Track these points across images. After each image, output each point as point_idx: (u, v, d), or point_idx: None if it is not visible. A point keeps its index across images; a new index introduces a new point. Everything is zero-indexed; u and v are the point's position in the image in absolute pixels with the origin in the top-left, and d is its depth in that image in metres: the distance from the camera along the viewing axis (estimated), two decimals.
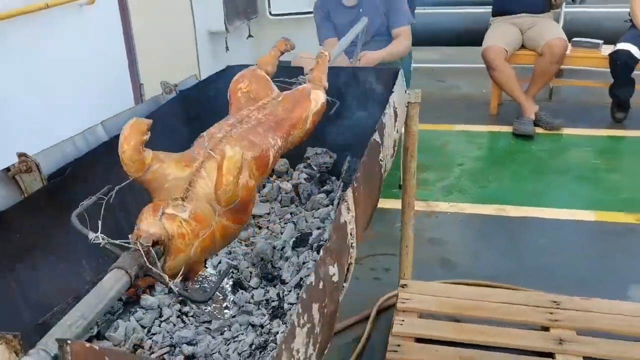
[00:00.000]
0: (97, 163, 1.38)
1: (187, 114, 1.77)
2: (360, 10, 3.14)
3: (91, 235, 0.93)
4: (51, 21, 2.54)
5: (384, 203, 2.09)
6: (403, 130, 2.01)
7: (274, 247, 1.65)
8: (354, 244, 1.13)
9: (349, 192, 1.11)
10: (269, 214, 1.86)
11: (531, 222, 2.92)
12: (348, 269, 1.14)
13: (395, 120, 1.66)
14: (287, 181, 1.97)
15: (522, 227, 2.89)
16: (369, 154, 1.30)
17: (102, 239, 0.92)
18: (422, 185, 3.29)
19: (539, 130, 3.93)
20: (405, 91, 1.92)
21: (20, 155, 1.24)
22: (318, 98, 1.46)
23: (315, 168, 2.03)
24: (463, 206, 3.06)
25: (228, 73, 2.04)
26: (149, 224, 0.96)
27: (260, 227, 1.82)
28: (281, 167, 2.02)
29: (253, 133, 1.28)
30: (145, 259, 0.91)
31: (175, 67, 3.81)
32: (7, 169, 1.24)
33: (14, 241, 1.15)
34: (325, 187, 1.94)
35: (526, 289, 2.26)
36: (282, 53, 1.66)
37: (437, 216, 3.00)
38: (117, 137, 1.49)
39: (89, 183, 1.30)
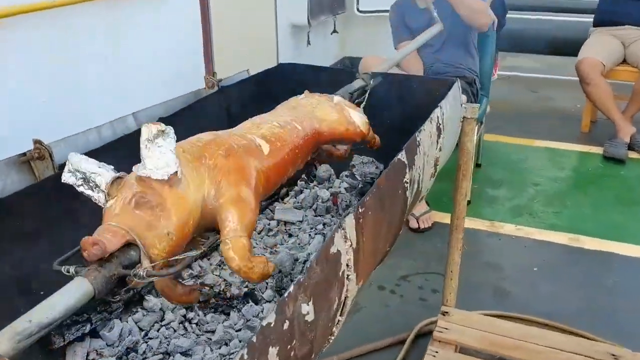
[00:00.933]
0: (115, 155, 1.35)
1: (218, 113, 1.71)
2: (435, 13, 2.96)
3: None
4: (131, 9, 2.59)
5: (448, 219, 1.94)
6: (472, 141, 1.83)
7: (296, 260, 1.57)
8: (352, 276, 1.02)
9: (350, 219, 1.00)
10: (301, 221, 1.78)
11: (607, 258, 2.64)
12: (344, 303, 1.03)
13: (439, 137, 1.52)
14: (327, 189, 1.88)
15: (595, 263, 2.61)
16: (389, 175, 1.18)
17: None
18: (489, 203, 3.09)
19: (632, 154, 3.57)
20: (462, 105, 1.76)
21: (35, 142, 1.23)
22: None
23: (358, 178, 1.91)
24: (531, 231, 2.82)
25: (279, 71, 1.99)
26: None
27: (290, 235, 1.74)
28: (324, 174, 1.92)
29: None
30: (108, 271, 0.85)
31: (253, 59, 3.81)
32: (23, 154, 1.23)
33: (14, 226, 1.14)
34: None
35: (583, 333, 2.03)
36: None
37: (500, 238, 2.78)
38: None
39: None
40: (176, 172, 0.89)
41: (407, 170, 1.26)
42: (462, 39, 2.99)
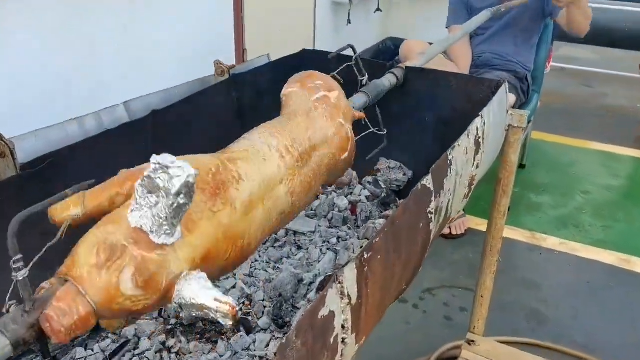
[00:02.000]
0: (93, 153, 1.16)
1: (225, 106, 1.50)
2: None
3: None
4: None
5: (484, 225, 1.71)
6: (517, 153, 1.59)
7: (300, 281, 1.36)
8: (349, 339, 0.81)
9: (350, 270, 0.79)
10: (313, 232, 1.57)
11: None
12: None
13: (477, 152, 1.28)
14: (346, 196, 1.66)
15: None
16: (409, 206, 0.95)
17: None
18: (531, 210, 2.81)
19: None
20: (508, 111, 1.51)
21: None
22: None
23: (382, 185, 1.69)
24: (576, 246, 2.55)
25: (301, 58, 1.76)
26: None
27: (299, 248, 1.54)
28: (344, 177, 1.70)
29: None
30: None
31: (287, 36, 3.59)
32: None
33: None
34: (387, 212, 1.60)
35: None
36: None
37: (540, 253, 2.52)
38: (137, 122, 1.29)
39: (69, 178, 1.10)
40: None
41: (433, 198, 1.03)
42: (524, 28, 2.67)
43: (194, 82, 1.50)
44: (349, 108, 1.24)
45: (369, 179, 1.70)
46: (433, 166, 1.04)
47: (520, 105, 2.68)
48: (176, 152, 1.11)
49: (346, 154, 1.16)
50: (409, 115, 1.66)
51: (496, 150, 1.56)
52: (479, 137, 1.26)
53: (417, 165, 1.72)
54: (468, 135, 1.20)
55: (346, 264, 0.79)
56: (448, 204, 1.16)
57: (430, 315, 2.14)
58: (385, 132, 1.43)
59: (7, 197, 1.02)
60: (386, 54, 4.87)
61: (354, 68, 1.42)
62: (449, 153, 1.10)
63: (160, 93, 1.40)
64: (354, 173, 1.73)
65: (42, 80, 1.94)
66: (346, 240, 1.54)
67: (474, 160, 1.27)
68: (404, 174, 1.71)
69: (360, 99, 1.39)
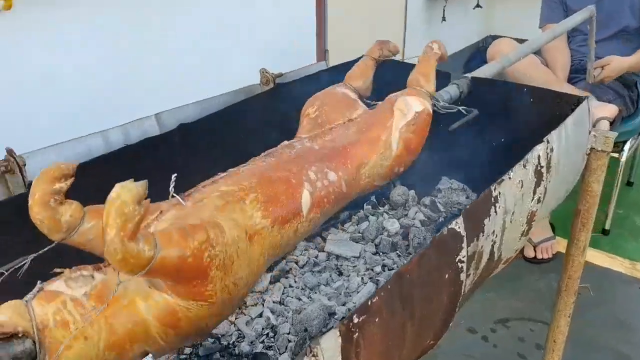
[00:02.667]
0: (109, 171, 1.10)
1: (265, 118, 1.40)
2: None
3: None
4: None
5: None
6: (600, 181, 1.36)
7: (332, 314, 1.24)
8: None
9: (330, 340, 0.65)
10: (357, 258, 1.43)
11: None
12: None
13: (539, 184, 1.08)
14: (398, 219, 1.50)
15: None
16: (426, 258, 0.80)
17: None
18: (634, 236, 2.48)
19: None
20: (590, 132, 1.28)
21: (7, 151, 1.02)
22: (407, 107, 0.99)
23: (441, 208, 1.51)
24: None
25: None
26: (4, 309, 0.66)
27: (340, 274, 1.41)
28: (399, 197, 1.55)
29: (275, 169, 0.88)
30: None
31: (375, 35, 3.43)
32: None
33: None
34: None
35: None
36: (377, 61, 1.19)
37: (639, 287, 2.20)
38: (158, 137, 1.22)
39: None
40: None
41: (466, 244, 0.86)
42: (632, 29, 2.35)
43: (236, 92, 1.42)
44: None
45: (427, 200, 1.53)
46: (467, 206, 0.87)
47: (628, 115, 2.36)
48: (203, 169, 1.04)
49: None
50: (476, 132, 1.47)
51: (574, 176, 1.34)
52: (541, 167, 1.07)
53: (483, 189, 1.53)
54: (525, 166, 1.01)
55: (327, 330, 0.66)
56: (493, 247, 0.98)
57: (500, 351, 1.93)
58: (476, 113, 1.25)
59: (12, 214, 0.99)
60: (485, 53, 4.57)
61: None
62: (493, 189, 0.93)
63: (200, 103, 1.33)
64: (412, 193, 1.56)
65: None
66: (392, 269, 1.39)
67: (534, 194, 1.07)
68: (467, 197, 1.52)
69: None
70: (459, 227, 0.84)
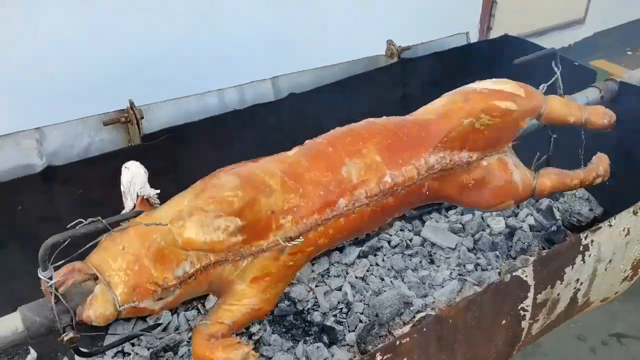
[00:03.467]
0: (212, 132, 1.17)
1: (384, 92, 1.36)
2: None
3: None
4: None
5: None
6: None
7: (408, 304, 1.23)
8: None
9: None
10: (453, 249, 1.39)
11: None
12: None
13: None
14: (505, 218, 1.41)
15: None
16: (475, 304, 0.76)
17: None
18: None
19: None
20: None
21: (130, 103, 1.13)
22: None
23: (558, 216, 1.39)
24: None
25: (496, 45, 1.49)
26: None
27: (432, 262, 1.38)
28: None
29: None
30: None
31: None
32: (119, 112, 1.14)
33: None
34: (550, 250, 1.32)
35: None
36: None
37: None
38: (279, 102, 1.23)
39: (185, 154, 1.14)
40: None
41: (532, 293, 0.80)
42: None
43: (361, 60, 1.39)
44: None
45: (543, 204, 1.42)
46: (538, 255, 0.80)
47: None
48: (308, 136, 1.06)
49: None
50: (618, 143, 1.31)
51: None
52: None
53: (613, 204, 1.37)
54: (635, 213, 0.89)
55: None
56: (576, 293, 0.90)
57: None
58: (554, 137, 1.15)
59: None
60: None
61: (554, 68, 1.13)
62: (583, 237, 0.84)
63: (312, 72, 1.33)
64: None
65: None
66: (485, 270, 1.33)
67: None
68: (591, 210, 1.38)
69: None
70: (525, 276, 0.78)
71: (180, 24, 1.64)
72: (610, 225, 0.86)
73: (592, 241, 0.84)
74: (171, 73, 1.59)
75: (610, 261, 0.90)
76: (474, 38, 2.88)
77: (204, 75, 1.49)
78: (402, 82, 1.39)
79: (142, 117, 1.12)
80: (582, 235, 0.83)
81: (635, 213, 0.89)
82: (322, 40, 1.96)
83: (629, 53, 3.71)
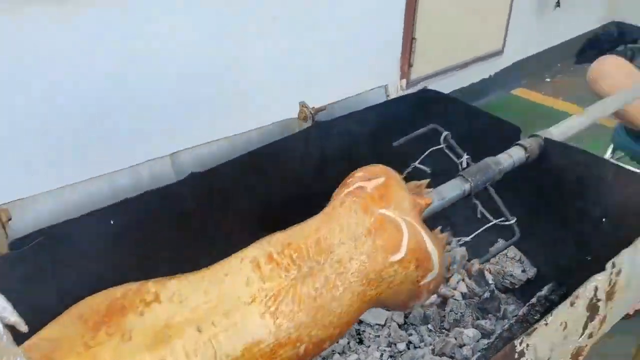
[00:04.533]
0: (97, 230, 1.01)
1: (296, 166, 1.24)
2: None
3: None
4: None
5: None
6: None
7: None
8: None
9: None
10: (382, 326, 1.28)
11: None
12: None
13: (593, 319, 0.87)
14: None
15: None
16: None
17: None
18: None
19: None
20: None
21: None
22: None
23: (490, 281, 1.31)
24: None
25: (414, 101, 1.41)
26: None
27: (360, 342, 1.26)
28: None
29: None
30: None
31: (472, 23, 3.12)
32: None
33: None
34: (482, 322, 1.23)
35: None
36: None
37: None
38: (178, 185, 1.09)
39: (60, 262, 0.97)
40: None
41: None
42: None
43: (269, 128, 1.27)
44: (408, 196, 0.93)
45: (475, 266, 1.33)
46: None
47: None
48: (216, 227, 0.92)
49: (400, 254, 0.88)
50: (547, 200, 1.25)
51: None
52: (597, 300, 0.85)
53: (545, 264, 1.31)
54: (572, 304, 0.81)
55: None
56: None
57: None
58: (514, 221, 1.07)
59: None
60: (607, 40, 4.06)
61: (446, 151, 1.07)
62: (517, 344, 0.74)
63: (221, 141, 1.19)
64: (461, 251, 1.36)
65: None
66: (418, 348, 1.22)
67: (584, 330, 0.86)
68: (524, 271, 1.31)
69: (451, 187, 1.05)
70: None
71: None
72: (547, 324, 0.76)
73: (527, 345, 0.74)
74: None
75: (549, 358, 0.80)
76: (394, 77, 2.86)
77: (90, 154, 1.33)
78: (319, 146, 1.28)
79: (10, 219, 0.96)
80: (517, 342, 0.73)
81: (572, 304, 0.80)
82: (225, 107, 1.88)
83: (548, 80, 3.79)
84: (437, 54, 3.02)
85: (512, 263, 1.32)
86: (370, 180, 0.92)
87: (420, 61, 2.91)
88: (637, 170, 1.09)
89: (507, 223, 1.05)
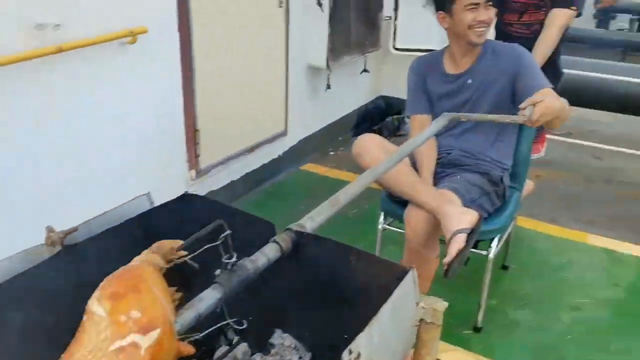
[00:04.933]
0: None
1: (50, 294, 1.18)
2: (469, 80, 2.30)
3: None
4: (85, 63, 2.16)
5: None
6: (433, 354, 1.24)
7: None
8: None
9: None
10: None
11: None
12: None
13: None
14: None
15: None
16: None
17: None
18: (505, 333, 2.40)
19: None
20: (418, 303, 1.16)
21: None
22: None
23: None
24: None
25: (186, 202, 1.44)
26: None
27: None
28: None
29: None
30: None
31: (253, 109, 3.29)
32: None
33: None
34: None
35: None
36: None
37: None
38: None
39: None
40: None
41: None
42: (497, 124, 2.32)
43: (15, 257, 1.18)
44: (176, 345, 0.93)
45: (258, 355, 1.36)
46: None
47: (494, 210, 2.30)
48: None
49: None
50: (308, 288, 1.32)
51: (404, 348, 1.21)
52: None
53: (321, 348, 1.38)
54: None
55: None
56: None
57: None
58: (244, 326, 1.12)
59: None
60: (377, 113, 4.55)
61: (221, 248, 1.10)
62: None
63: None
64: (243, 346, 1.38)
65: None
66: None
67: None
68: (300, 357, 1.36)
69: (205, 299, 1.07)
70: None
71: None
72: None
73: None
74: None
75: None
76: (183, 169, 2.87)
77: None
78: (75, 271, 1.22)
79: None
80: None
81: None
82: None
83: (332, 153, 4.09)
84: (223, 141, 3.12)
85: (289, 351, 1.37)
86: (147, 332, 0.88)
87: (207, 150, 2.98)
88: (374, 254, 1.22)
89: (240, 328, 1.11)
